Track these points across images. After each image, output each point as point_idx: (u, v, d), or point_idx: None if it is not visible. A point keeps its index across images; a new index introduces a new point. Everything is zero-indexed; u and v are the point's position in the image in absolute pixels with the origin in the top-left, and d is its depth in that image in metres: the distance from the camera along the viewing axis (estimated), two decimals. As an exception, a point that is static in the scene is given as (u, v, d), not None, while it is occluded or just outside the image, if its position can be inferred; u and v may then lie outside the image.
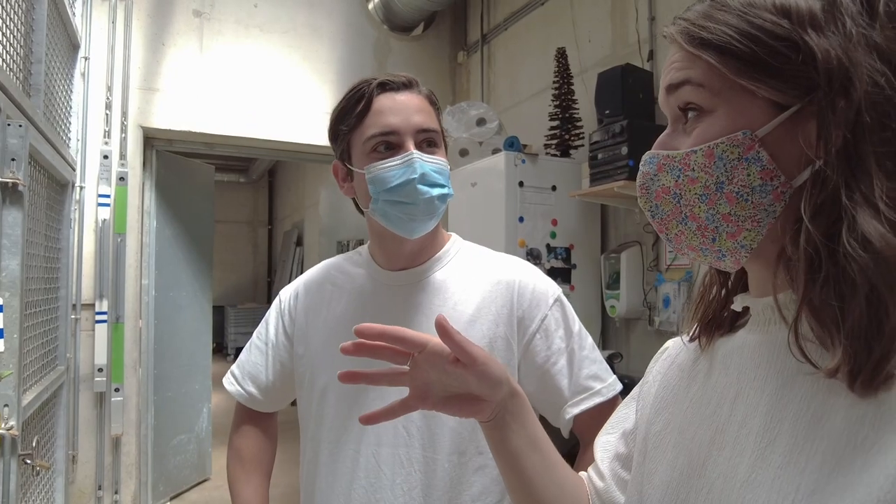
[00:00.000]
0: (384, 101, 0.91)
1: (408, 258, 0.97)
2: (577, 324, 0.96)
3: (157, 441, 3.21)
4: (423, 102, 0.94)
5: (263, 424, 1.09)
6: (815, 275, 0.40)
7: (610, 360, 2.29)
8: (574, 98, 2.54)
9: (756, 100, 0.44)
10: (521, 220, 2.39)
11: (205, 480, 3.72)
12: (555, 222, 2.45)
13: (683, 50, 0.47)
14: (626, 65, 2.25)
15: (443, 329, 0.53)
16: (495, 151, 2.63)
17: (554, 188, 2.46)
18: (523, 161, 2.41)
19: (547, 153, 2.57)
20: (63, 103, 2.45)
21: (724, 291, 0.55)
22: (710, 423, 0.49)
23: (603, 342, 2.52)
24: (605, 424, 0.67)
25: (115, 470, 2.85)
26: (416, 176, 0.88)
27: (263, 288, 9.43)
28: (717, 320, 0.54)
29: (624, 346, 2.45)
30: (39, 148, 1.81)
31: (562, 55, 2.57)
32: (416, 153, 0.89)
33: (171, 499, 3.42)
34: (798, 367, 0.43)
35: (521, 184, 2.39)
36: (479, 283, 0.95)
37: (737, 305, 0.52)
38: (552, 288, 0.97)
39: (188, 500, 3.52)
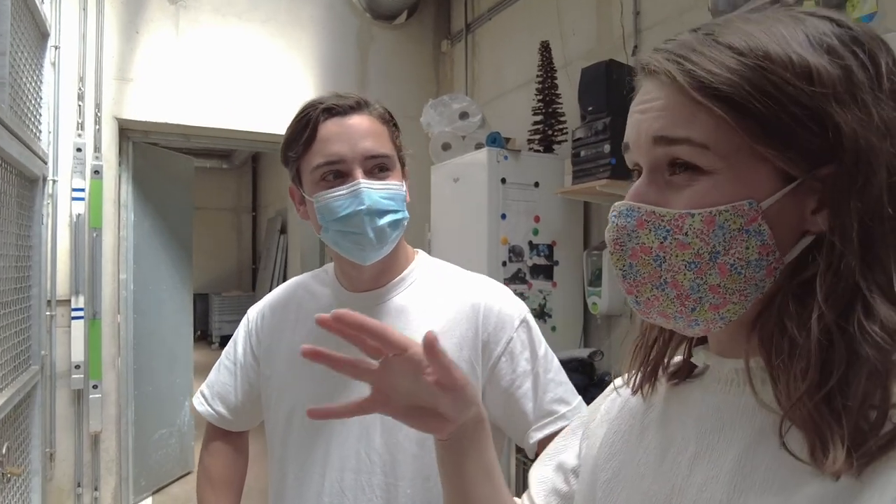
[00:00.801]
0: (331, 128, 0.88)
1: (368, 281, 0.95)
2: (542, 346, 0.95)
3: (138, 436, 3.18)
4: (373, 124, 0.90)
5: (234, 442, 1.07)
6: (829, 363, 0.38)
7: (591, 357, 2.29)
8: (558, 93, 2.51)
9: (764, 167, 0.41)
10: (503, 216, 2.37)
11: (187, 474, 3.70)
12: (537, 219, 2.43)
13: (683, 94, 0.42)
14: (610, 60, 2.21)
15: (431, 348, 0.48)
16: (478, 146, 2.60)
17: (537, 185, 2.43)
18: (506, 157, 2.38)
19: (530, 148, 2.54)
20: (32, 95, 2.37)
21: (666, 336, 0.52)
22: (667, 480, 0.48)
23: (585, 339, 2.52)
24: (542, 455, 0.64)
25: (94, 467, 2.82)
26: (363, 207, 0.86)
27: (248, 275, 9.35)
28: (659, 369, 0.52)
29: (605, 343, 2.45)
30: (5, 144, 1.75)
31: (545, 48, 2.53)
32: (363, 182, 0.86)
33: (154, 493, 3.41)
34: (763, 432, 0.42)
35: (503, 180, 2.37)
36: (443, 306, 0.93)
37: (697, 361, 0.50)
38: (518, 309, 0.95)
39: (171, 493, 3.51)
